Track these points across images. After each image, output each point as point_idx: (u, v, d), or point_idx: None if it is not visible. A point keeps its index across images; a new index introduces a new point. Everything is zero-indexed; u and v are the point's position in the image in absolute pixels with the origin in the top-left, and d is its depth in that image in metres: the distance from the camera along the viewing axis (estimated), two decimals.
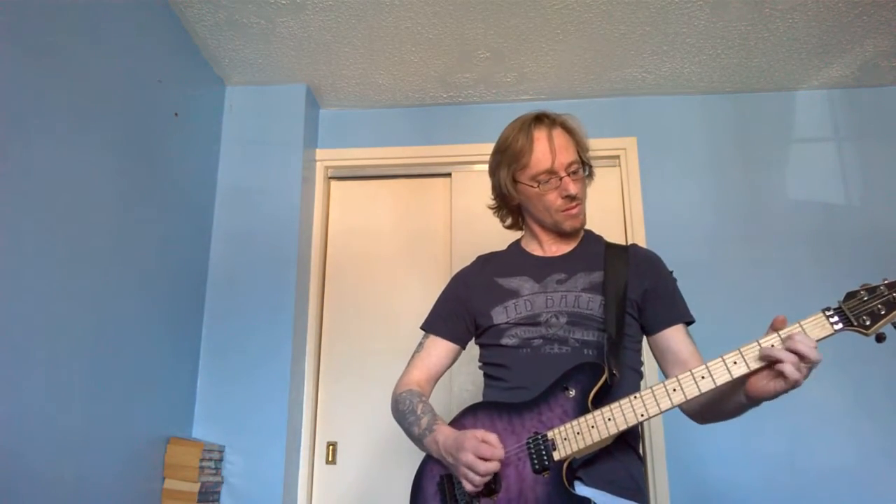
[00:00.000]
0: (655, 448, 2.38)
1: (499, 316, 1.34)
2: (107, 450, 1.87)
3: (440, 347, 1.43)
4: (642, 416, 1.11)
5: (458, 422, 1.27)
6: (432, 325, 1.46)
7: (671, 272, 1.41)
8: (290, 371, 2.44)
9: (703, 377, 1.09)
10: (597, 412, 1.14)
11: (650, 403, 1.11)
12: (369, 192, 2.85)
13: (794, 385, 1.04)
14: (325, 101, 2.88)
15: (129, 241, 2.03)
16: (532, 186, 1.34)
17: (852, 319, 1.09)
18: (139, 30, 2.11)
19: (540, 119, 1.37)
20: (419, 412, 1.30)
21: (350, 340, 2.67)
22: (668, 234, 2.60)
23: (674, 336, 1.33)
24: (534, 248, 1.45)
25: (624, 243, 1.46)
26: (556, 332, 1.28)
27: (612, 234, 2.74)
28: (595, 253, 1.39)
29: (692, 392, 1.09)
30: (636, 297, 1.33)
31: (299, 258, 2.57)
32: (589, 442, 1.13)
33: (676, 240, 2.59)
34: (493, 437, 1.13)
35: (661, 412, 1.11)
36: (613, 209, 2.69)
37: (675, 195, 2.65)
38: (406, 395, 1.36)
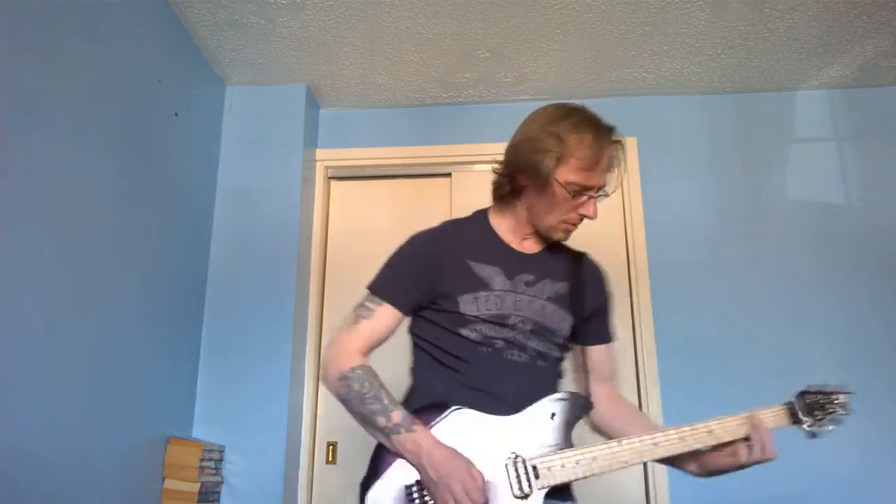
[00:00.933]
0: None
1: (467, 306, 1.25)
2: (107, 450, 1.87)
3: (391, 318, 1.28)
4: (625, 463, 1.17)
5: (424, 420, 1.18)
6: (389, 292, 1.30)
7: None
8: (290, 371, 2.44)
9: (682, 439, 1.21)
10: (584, 450, 1.16)
11: (634, 454, 1.18)
12: (369, 192, 2.85)
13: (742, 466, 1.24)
14: (325, 101, 2.88)
15: (129, 241, 2.03)
16: (562, 188, 1.26)
17: (800, 419, 1.32)
18: (139, 30, 2.11)
19: (612, 133, 1.31)
20: (386, 402, 1.19)
21: None
22: (668, 234, 2.60)
23: (604, 354, 1.39)
24: (508, 237, 1.36)
25: (578, 250, 1.43)
26: (517, 336, 1.25)
27: (612, 234, 2.76)
28: (560, 259, 1.37)
29: (668, 452, 1.20)
30: (587, 312, 1.35)
31: (299, 258, 2.57)
32: (571, 477, 1.15)
33: (676, 240, 2.59)
34: (480, 476, 1.11)
35: (641, 462, 1.20)
36: (613, 209, 2.69)
37: (675, 195, 2.65)
38: (362, 375, 1.22)
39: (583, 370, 1.38)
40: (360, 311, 1.30)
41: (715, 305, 2.50)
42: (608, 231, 2.67)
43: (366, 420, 1.21)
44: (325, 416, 2.59)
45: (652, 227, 2.61)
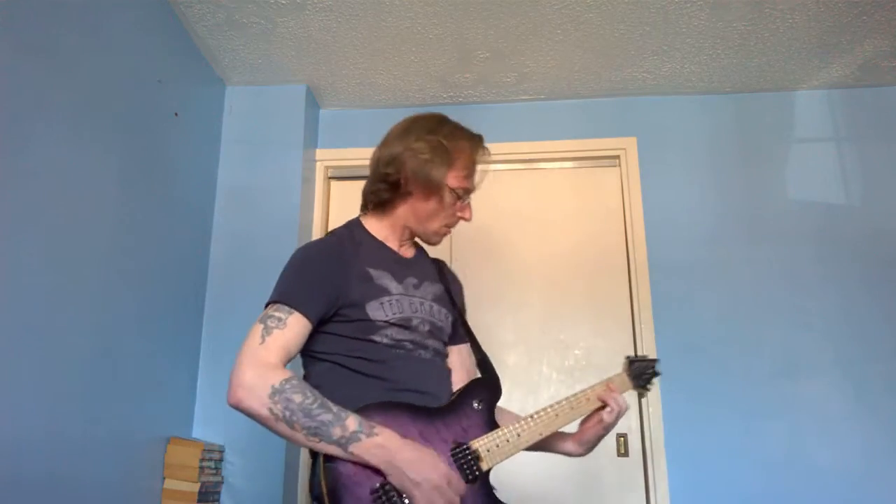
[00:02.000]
0: (655, 447, 2.38)
1: (375, 312, 1.25)
2: (107, 450, 1.87)
3: (303, 328, 1.21)
4: (541, 434, 1.29)
5: (375, 420, 1.13)
6: (299, 302, 1.22)
7: None
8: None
9: (571, 408, 1.35)
10: (510, 428, 1.26)
11: (544, 425, 1.30)
12: None
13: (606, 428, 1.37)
14: (325, 101, 2.88)
15: (129, 241, 2.03)
16: (451, 194, 1.36)
17: (631, 382, 1.46)
18: (139, 30, 2.11)
19: (482, 141, 1.43)
20: (335, 409, 1.11)
21: None
22: (668, 234, 2.60)
23: (466, 353, 1.45)
24: (391, 242, 1.39)
25: (435, 257, 1.53)
26: (419, 337, 1.31)
27: (613, 234, 2.76)
28: (428, 263, 1.47)
29: (566, 421, 1.34)
30: (459, 312, 1.46)
31: None
32: (507, 454, 1.24)
33: (676, 240, 2.59)
34: (451, 469, 1.15)
35: (545, 436, 1.31)
36: (613, 209, 2.69)
37: (675, 195, 2.65)
38: (299, 385, 1.13)
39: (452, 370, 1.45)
40: (269, 322, 1.20)
41: (715, 305, 2.50)
42: (608, 231, 2.67)
43: (314, 434, 1.09)
44: None
45: (652, 227, 2.61)
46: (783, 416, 2.34)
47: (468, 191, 1.39)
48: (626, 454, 2.43)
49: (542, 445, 1.39)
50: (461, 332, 1.46)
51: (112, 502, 1.88)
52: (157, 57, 2.22)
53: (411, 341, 1.29)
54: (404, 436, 1.13)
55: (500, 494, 1.24)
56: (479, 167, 1.41)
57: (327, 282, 1.27)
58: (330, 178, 2.86)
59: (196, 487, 2.13)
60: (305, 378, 1.28)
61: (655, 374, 1.49)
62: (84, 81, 1.82)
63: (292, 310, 1.21)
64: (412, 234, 1.42)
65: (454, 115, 3.19)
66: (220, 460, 2.32)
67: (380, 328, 1.26)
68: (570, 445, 1.41)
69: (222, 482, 2.32)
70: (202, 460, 2.17)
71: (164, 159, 2.26)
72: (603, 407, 1.36)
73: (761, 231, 2.59)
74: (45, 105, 1.66)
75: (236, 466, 2.34)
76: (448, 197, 1.36)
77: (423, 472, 1.09)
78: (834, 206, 2.60)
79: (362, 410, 1.14)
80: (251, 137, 2.69)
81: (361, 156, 2.81)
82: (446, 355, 1.41)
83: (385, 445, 1.09)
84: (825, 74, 2.64)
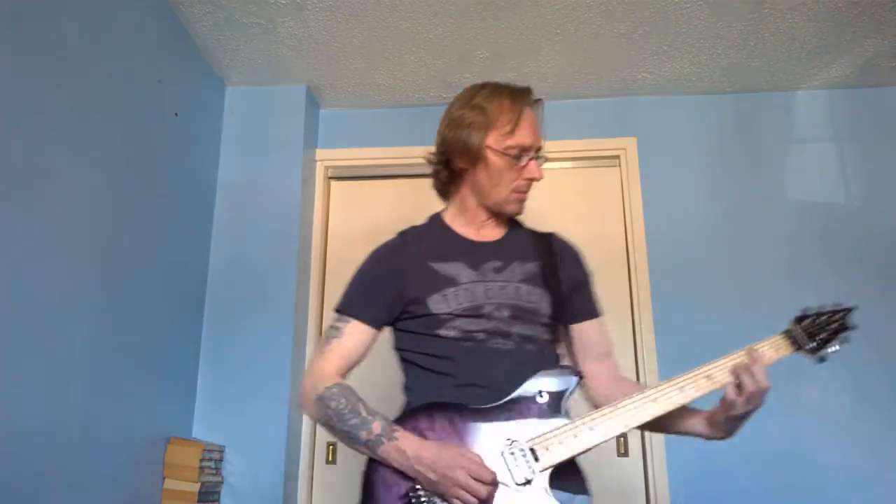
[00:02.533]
0: (655, 447, 2.38)
1: (437, 305, 1.23)
2: (107, 450, 1.87)
3: (362, 334, 1.27)
4: (626, 426, 1.10)
5: (410, 425, 1.15)
6: (355, 309, 1.29)
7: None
8: (290, 371, 2.43)
9: (680, 389, 1.14)
10: (579, 420, 1.10)
11: (631, 414, 1.11)
12: (369, 192, 2.85)
13: (732, 407, 1.13)
14: (325, 101, 2.88)
15: (129, 241, 2.03)
16: (501, 157, 1.25)
17: (801, 343, 1.19)
18: (139, 30, 2.11)
19: (529, 93, 1.30)
20: (364, 414, 1.15)
21: None
22: (668, 234, 2.60)
23: (593, 329, 1.34)
24: (463, 230, 1.35)
25: (544, 231, 1.40)
26: (497, 325, 1.22)
27: (613, 234, 2.76)
28: (525, 241, 1.35)
29: (666, 406, 1.13)
30: (566, 288, 1.30)
31: (299, 258, 2.57)
32: (574, 451, 1.09)
33: (676, 240, 2.59)
34: (479, 458, 1.07)
35: (641, 423, 1.11)
36: (613, 209, 2.69)
37: (675, 195, 2.65)
38: (338, 392, 1.19)
39: (574, 352, 1.34)
40: (329, 333, 1.28)
41: (715, 305, 2.50)
42: (608, 231, 2.67)
43: (350, 437, 1.16)
44: None
45: (652, 227, 2.61)
46: (783, 416, 2.34)
47: (524, 147, 1.25)
48: (626, 454, 2.43)
49: (664, 424, 1.21)
50: (580, 307, 1.33)
51: (112, 502, 1.88)
52: (156, 57, 2.22)
53: (484, 331, 1.21)
54: (441, 437, 1.11)
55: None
56: (528, 119, 1.27)
57: (383, 284, 1.30)
58: (330, 178, 2.86)
59: (196, 487, 2.13)
60: (405, 378, 1.31)
61: (843, 328, 1.19)
62: (84, 81, 1.82)
63: (349, 318, 1.28)
64: (491, 212, 1.32)
65: None
66: (220, 460, 2.32)
67: (445, 321, 1.23)
68: (699, 425, 1.21)
69: (222, 482, 2.32)
70: (202, 460, 2.17)
71: (165, 159, 2.26)
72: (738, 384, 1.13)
73: (761, 231, 2.59)
74: (45, 105, 1.66)
75: (236, 466, 2.34)
76: (498, 160, 1.25)
77: (441, 470, 1.06)
78: (834, 206, 2.60)
79: (409, 413, 1.18)
80: (251, 137, 2.69)
81: (361, 156, 2.86)
82: (550, 340, 1.27)
83: (403, 449, 1.10)
84: (825, 74, 2.64)
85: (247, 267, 2.54)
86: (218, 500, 2.29)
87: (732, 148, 2.70)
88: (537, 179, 1.28)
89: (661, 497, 2.32)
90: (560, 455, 1.09)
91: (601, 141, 2.75)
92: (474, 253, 1.30)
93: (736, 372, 1.12)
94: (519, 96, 1.28)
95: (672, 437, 2.35)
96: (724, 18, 2.32)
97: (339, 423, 1.16)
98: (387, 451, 1.11)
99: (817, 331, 1.19)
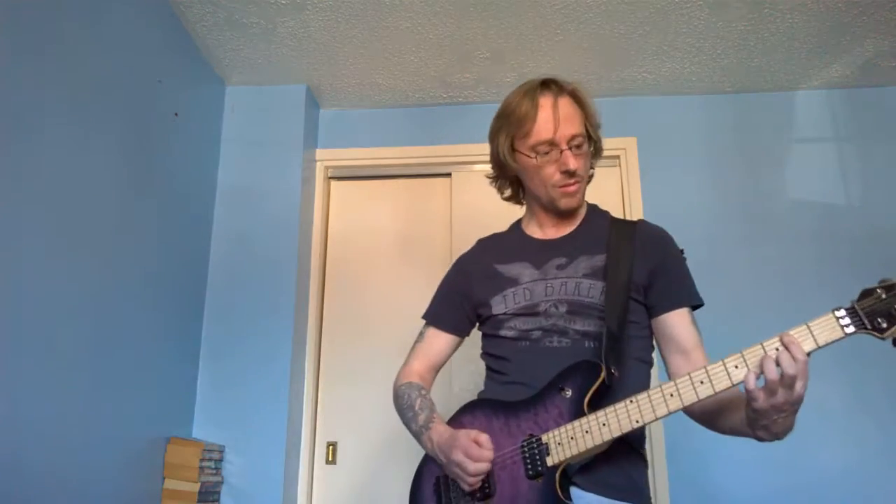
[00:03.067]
0: (656, 447, 2.38)
1: (498, 306, 1.28)
2: (107, 450, 1.87)
3: (441, 338, 1.39)
4: (637, 422, 1.05)
5: (456, 420, 1.25)
6: (433, 315, 1.42)
7: (681, 251, 1.33)
8: (290, 371, 2.44)
9: (701, 382, 1.01)
10: (591, 416, 1.08)
11: (646, 409, 1.04)
12: (369, 192, 2.85)
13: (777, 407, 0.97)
14: (325, 102, 2.88)
15: (129, 241, 2.03)
16: (530, 157, 1.24)
17: (866, 322, 0.98)
18: (139, 30, 2.11)
19: (547, 85, 1.27)
20: (417, 408, 1.27)
21: (350, 340, 2.67)
22: None
23: (676, 321, 1.24)
24: (533, 230, 1.37)
25: (632, 219, 1.36)
26: (555, 322, 1.21)
27: None
28: (598, 233, 1.30)
29: (690, 399, 1.02)
30: (641, 279, 1.23)
31: (299, 258, 2.57)
32: (583, 448, 1.07)
33: (676, 240, 2.57)
34: (484, 438, 1.10)
35: (657, 419, 1.05)
36: (613, 209, 2.64)
37: (675, 195, 2.65)
38: (405, 389, 1.33)
39: (660, 346, 1.28)
40: (417, 338, 1.43)
41: (715, 305, 2.48)
42: None
43: (409, 430, 1.29)
44: (325, 416, 2.59)
45: None
46: None
47: (549, 142, 1.22)
48: None
49: (710, 421, 1.15)
50: (658, 298, 1.24)
51: (112, 502, 1.88)
52: (157, 57, 2.22)
53: (541, 328, 1.22)
54: (483, 429, 1.16)
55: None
56: (547, 111, 1.23)
57: (453, 291, 1.41)
58: (330, 178, 2.86)
59: (196, 487, 2.13)
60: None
61: None
62: (84, 81, 1.82)
63: (428, 325, 1.42)
64: (556, 210, 1.31)
65: (454, 115, 3.19)
66: (220, 460, 2.32)
67: (504, 321, 1.28)
68: (740, 424, 1.07)
69: (222, 482, 2.32)
70: (202, 460, 2.17)
71: (164, 159, 2.26)
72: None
73: (761, 231, 2.59)
74: (45, 105, 1.66)
75: (236, 466, 2.34)
76: (530, 160, 1.25)
77: (445, 451, 1.15)
78: (834, 206, 2.60)
79: (458, 411, 1.27)
80: (251, 137, 2.69)
81: (361, 156, 2.86)
82: (615, 337, 1.17)
83: (432, 437, 1.20)
84: (825, 74, 2.64)
85: (247, 267, 2.54)
86: (218, 500, 2.29)
87: (732, 148, 2.70)
88: (572, 170, 1.23)
89: (661, 497, 2.32)
90: (572, 450, 1.08)
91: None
92: (540, 252, 1.31)
93: (762, 360, 0.97)
94: (533, 91, 1.26)
95: (672, 436, 2.36)
96: (724, 18, 2.32)
97: (402, 417, 1.32)
98: (425, 440, 1.23)
99: (883, 308, 0.97)
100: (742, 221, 2.61)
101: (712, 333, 2.42)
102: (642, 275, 1.24)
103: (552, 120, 1.23)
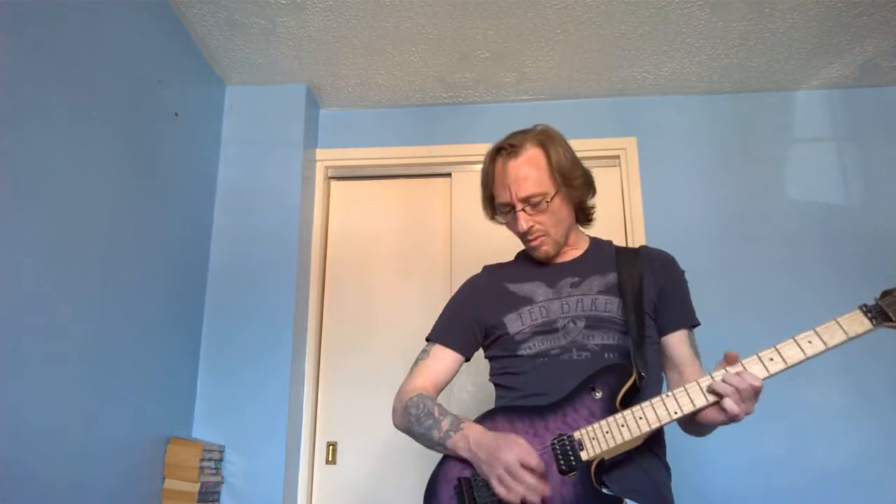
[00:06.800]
0: None
1: (513, 324, 1.30)
2: (107, 450, 1.87)
3: (446, 357, 1.38)
4: (675, 413, 1.09)
5: (479, 422, 1.24)
6: (438, 335, 1.41)
7: (683, 272, 1.39)
8: (290, 371, 2.44)
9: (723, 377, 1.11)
10: (627, 411, 1.11)
11: (684, 401, 1.09)
12: (369, 192, 2.85)
13: (733, 419, 1.08)
14: (325, 101, 2.88)
15: (129, 241, 2.03)
16: (499, 216, 1.39)
17: (892, 315, 1.10)
18: (139, 30, 2.11)
19: (499, 151, 1.35)
20: (437, 415, 1.24)
21: (350, 340, 2.67)
22: (668, 235, 2.59)
23: (674, 341, 1.33)
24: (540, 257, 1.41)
25: (634, 246, 1.44)
26: (574, 337, 1.25)
27: (613, 235, 2.71)
28: (605, 256, 1.37)
29: (697, 402, 1.11)
30: (653, 296, 1.30)
31: (299, 258, 2.57)
32: (619, 441, 1.10)
33: (676, 240, 2.56)
34: (529, 446, 1.10)
35: (696, 410, 1.09)
36: (613, 209, 2.69)
37: (675, 195, 2.65)
38: (418, 399, 1.29)
39: (663, 364, 1.35)
40: (419, 356, 1.41)
41: (715, 305, 2.49)
42: (608, 231, 2.66)
43: (427, 439, 1.25)
44: (325, 416, 2.59)
45: (652, 227, 2.61)
46: (783, 416, 2.34)
47: (508, 204, 1.32)
48: None
49: (696, 428, 1.22)
50: (663, 319, 1.32)
51: (112, 502, 1.88)
52: (157, 57, 2.22)
53: (559, 346, 1.25)
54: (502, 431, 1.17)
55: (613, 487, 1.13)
56: (500, 176, 1.34)
57: (462, 312, 1.41)
58: (330, 178, 2.86)
59: (196, 487, 2.13)
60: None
61: None
62: (84, 81, 1.82)
63: (433, 343, 1.40)
64: (559, 241, 1.37)
65: (454, 115, 3.19)
66: (220, 460, 2.32)
67: (522, 340, 1.29)
68: (712, 412, 1.13)
69: (222, 482, 2.32)
70: (202, 460, 2.17)
71: (164, 159, 2.26)
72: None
73: (761, 231, 2.59)
74: (45, 105, 1.66)
75: (236, 466, 2.34)
76: (502, 217, 1.39)
77: (493, 453, 1.11)
78: (834, 206, 2.60)
79: (475, 420, 1.24)
80: (251, 137, 2.69)
81: (361, 156, 2.86)
82: (624, 349, 1.25)
83: (466, 436, 1.18)
84: (825, 74, 2.64)
85: (247, 267, 2.54)
86: (218, 500, 2.29)
87: (732, 148, 2.70)
88: (523, 231, 1.32)
89: None
90: (605, 443, 1.11)
91: (601, 141, 2.75)
92: (552, 273, 1.35)
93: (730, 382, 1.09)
94: (491, 156, 1.37)
95: (672, 436, 2.36)
96: (724, 18, 2.32)
97: (417, 427, 1.26)
98: (454, 442, 1.19)
99: None
100: (742, 221, 2.61)
101: (712, 333, 2.43)
102: (653, 291, 1.31)
103: (504, 185, 1.32)
